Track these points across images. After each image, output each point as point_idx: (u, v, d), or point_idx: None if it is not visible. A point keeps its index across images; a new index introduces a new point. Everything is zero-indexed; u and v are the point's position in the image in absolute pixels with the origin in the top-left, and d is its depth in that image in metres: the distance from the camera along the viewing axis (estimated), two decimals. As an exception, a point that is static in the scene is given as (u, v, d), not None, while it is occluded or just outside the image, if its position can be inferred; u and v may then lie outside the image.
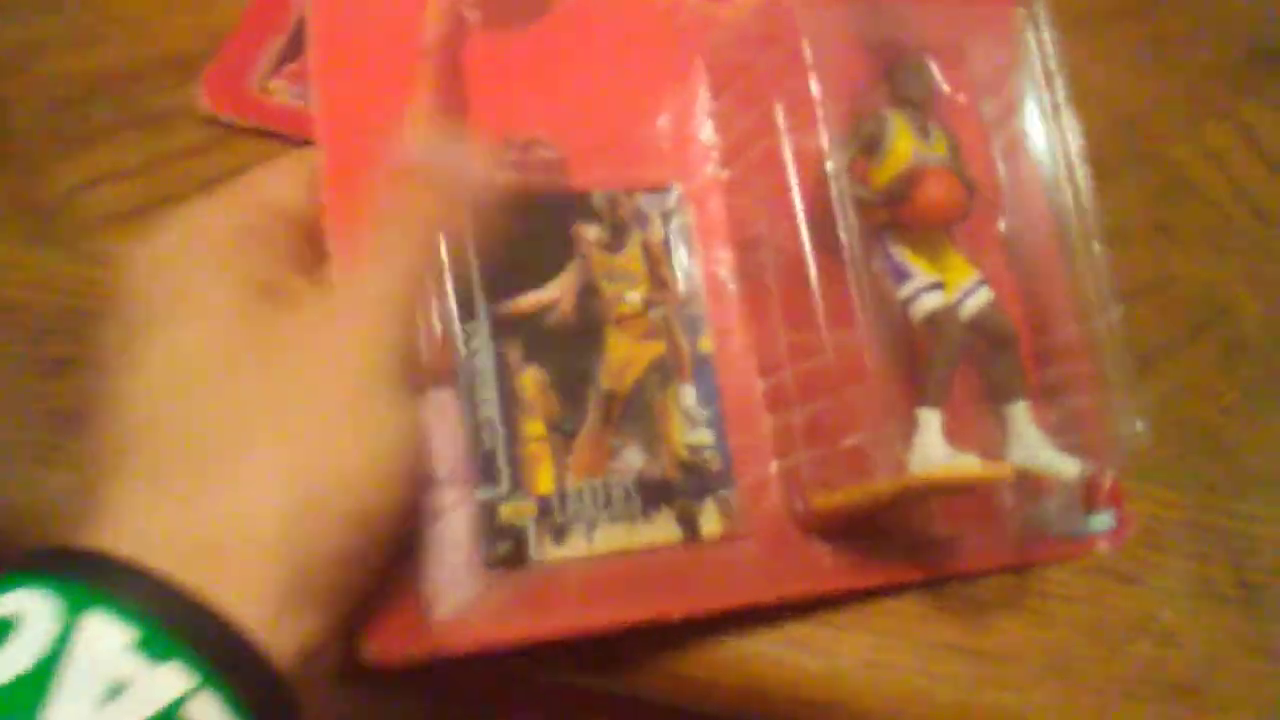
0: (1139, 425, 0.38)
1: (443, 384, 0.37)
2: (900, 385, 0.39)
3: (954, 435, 0.38)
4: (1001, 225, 0.42)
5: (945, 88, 0.42)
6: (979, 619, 0.42)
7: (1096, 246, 0.39)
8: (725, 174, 0.42)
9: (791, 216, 0.40)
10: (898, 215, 0.39)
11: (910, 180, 0.39)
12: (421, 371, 0.36)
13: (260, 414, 0.30)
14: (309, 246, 0.35)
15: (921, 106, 0.40)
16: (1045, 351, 0.42)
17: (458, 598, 0.35)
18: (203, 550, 0.28)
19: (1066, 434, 0.40)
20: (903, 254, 0.40)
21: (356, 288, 0.34)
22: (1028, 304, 0.43)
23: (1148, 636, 0.43)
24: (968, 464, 0.37)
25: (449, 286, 0.38)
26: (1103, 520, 0.43)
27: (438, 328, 0.37)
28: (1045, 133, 0.40)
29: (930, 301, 0.39)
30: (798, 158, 0.39)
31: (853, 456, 0.39)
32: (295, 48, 0.45)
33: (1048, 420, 0.41)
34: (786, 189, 0.40)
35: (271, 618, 0.28)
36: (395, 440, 0.32)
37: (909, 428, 0.38)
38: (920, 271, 0.39)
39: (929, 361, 0.39)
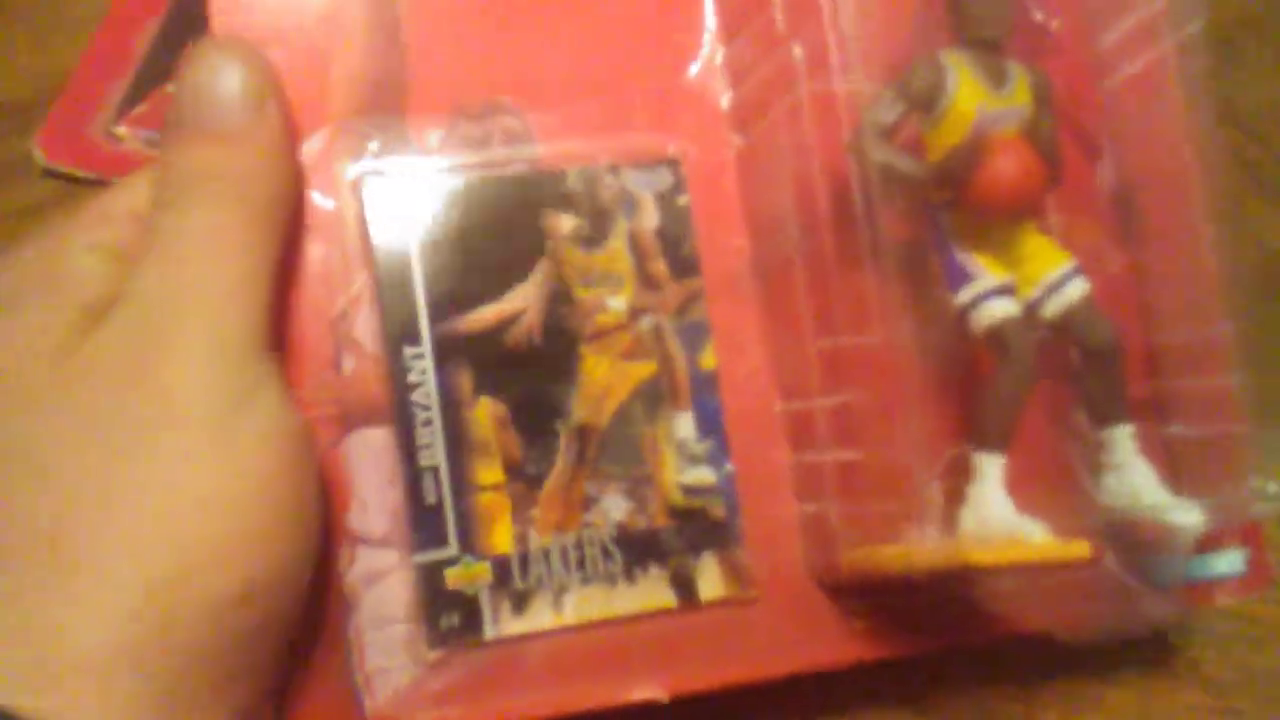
0: (1273, 487, 0.28)
1: (375, 422, 0.31)
2: (952, 420, 0.30)
3: (1026, 480, 0.30)
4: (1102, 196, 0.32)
5: (1038, 15, 0.32)
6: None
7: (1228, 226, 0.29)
8: (739, 141, 0.33)
9: (820, 194, 0.31)
10: (958, 200, 0.30)
11: (970, 155, 0.29)
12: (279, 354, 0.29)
13: (81, 482, 0.24)
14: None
15: (997, 45, 0.30)
16: (1160, 357, 0.33)
17: (396, 683, 0.30)
18: (35, 671, 0.23)
19: (1184, 469, 0.31)
20: (963, 247, 0.30)
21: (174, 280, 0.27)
22: (1142, 294, 0.33)
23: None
24: (1032, 538, 0.28)
25: (382, 300, 0.31)
26: (1229, 561, 0.34)
27: (368, 351, 0.31)
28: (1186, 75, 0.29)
29: (996, 310, 0.30)
30: (821, 117, 0.30)
31: (893, 512, 0.31)
32: (140, 89, 0.39)
33: (1157, 449, 0.32)
34: (813, 158, 0.31)
35: None
36: (266, 475, 0.26)
37: (963, 475, 0.30)
38: (984, 270, 0.30)
39: (990, 391, 0.30)
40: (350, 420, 0.31)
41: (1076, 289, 0.31)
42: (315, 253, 0.31)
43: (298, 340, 0.30)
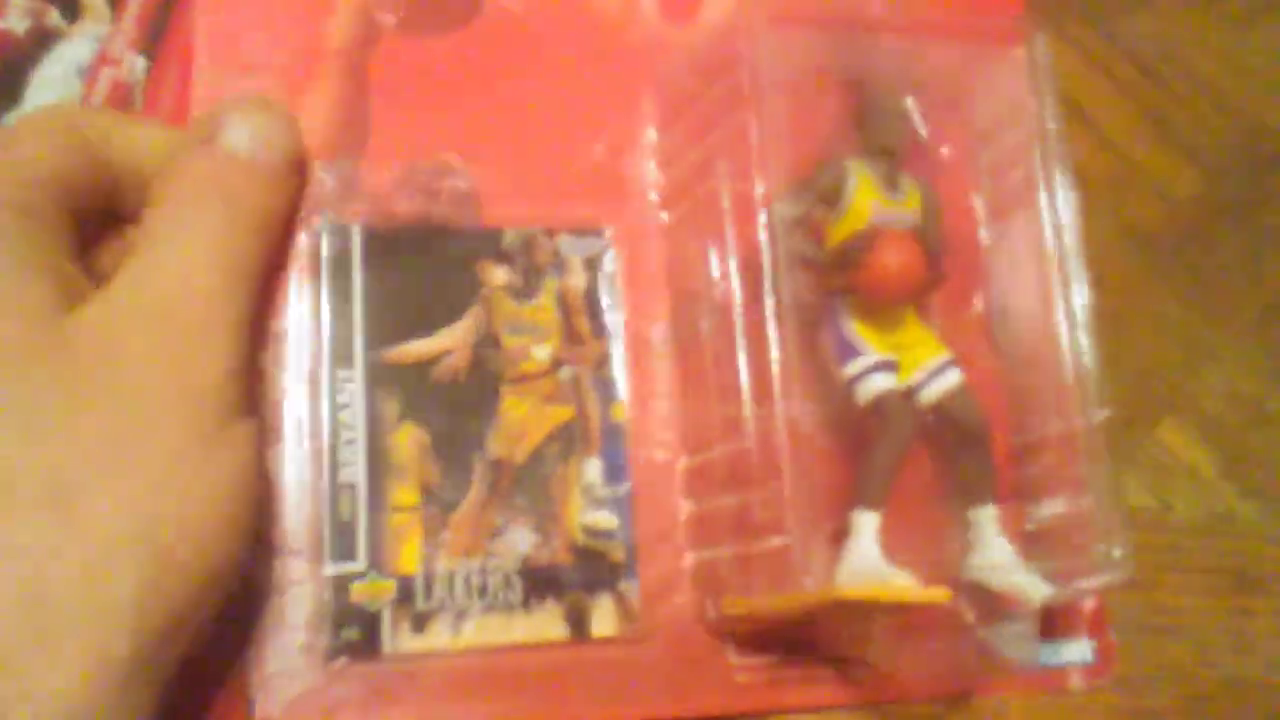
0: (1117, 551, 0.32)
1: (302, 438, 0.32)
2: (837, 481, 0.33)
3: (901, 541, 0.33)
4: (978, 303, 0.37)
5: (924, 134, 0.37)
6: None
7: (1083, 340, 0.34)
8: (666, 217, 0.37)
9: (729, 273, 0.34)
10: (850, 283, 0.33)
11: (864, 244, 0.33)
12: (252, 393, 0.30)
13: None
14: (77, 227, 0.28)
15: (895, 156, 0.35)
16: (1023, 450, 0.36)
17: (290, 691, 0.31)
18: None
19: (1040, 547, 0.35)
20: (853, 326, 0.34)
21: (161, 281, 0.27)
22: (1008, 394, 0.37)
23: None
24: (899, 583, 0.31)
25: (325, 323, 0.33)
26: (1078, 650, 0.37)
27: (304, 370, 0.33)
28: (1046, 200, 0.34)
29: (878, 383, 0.33)
30: (737, 205, 0.34)
31: (776, 559, 0.33)
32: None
33: (1018, 530, 0.35)
34: (725, 240, 0.34)
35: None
36: (235, 473, 0.27)
37: (842, 531, 0.33)
38: (870, 348, 0.34)
39: (869, 455, 0.33)
40: (280, 433, 0.32)
41: (953, 377, 0.34)
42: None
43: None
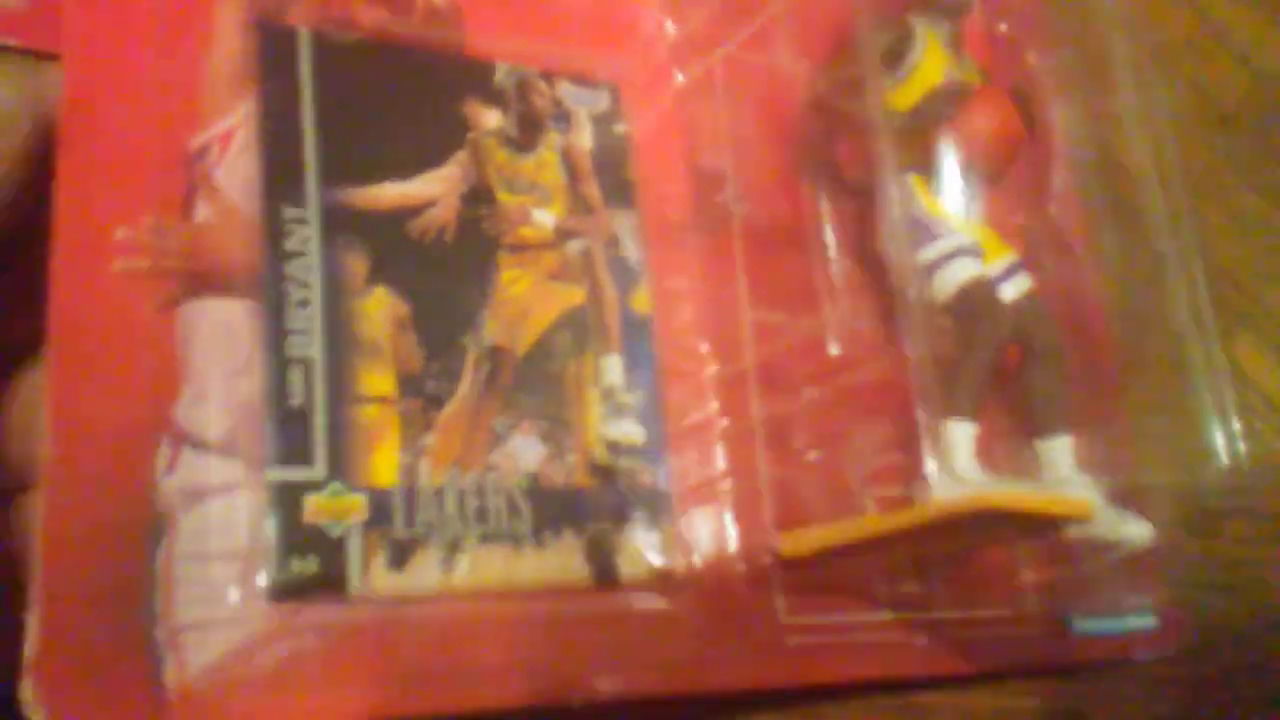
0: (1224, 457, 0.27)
1: (230, 292, 0.23)
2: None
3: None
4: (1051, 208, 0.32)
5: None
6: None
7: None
8: (681, 78, 0.30)
9: (768, 149, 0.28)
10: (929, 148, 0.28)
11: (953, 97, 0.28)
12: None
13: None
14: None
15: (956, 21, 0.30)
16: (1093, 371, 0.31)
17: (215, 646, 0.20)
18: None
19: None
20: (924, 206, 0.28)
21: None
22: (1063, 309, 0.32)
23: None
24: (1028, 491, 0.25)
25: (264, 145, 0.24)
26: (1139, 620, 0.32)
27: (231, 203, 0.23)
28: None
29: (965, 269, 0.28)
30: (773, 69, 0.28)
31: (836, 485, 0.27)
32: None
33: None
34: (757, 112, 0.28)
35: None
36: None
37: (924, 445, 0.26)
38: (951, 229, 0.28)
39: (961, 356, 0.27)
40: (194, 282, 0.22)
41: (1025, 281, 0.29)
42: (175, 65, 0.24)
43: (134, 166, 0.22)
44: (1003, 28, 0.32)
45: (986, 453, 0.27)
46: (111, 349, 0.21)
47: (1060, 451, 0.29)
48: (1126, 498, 0.28)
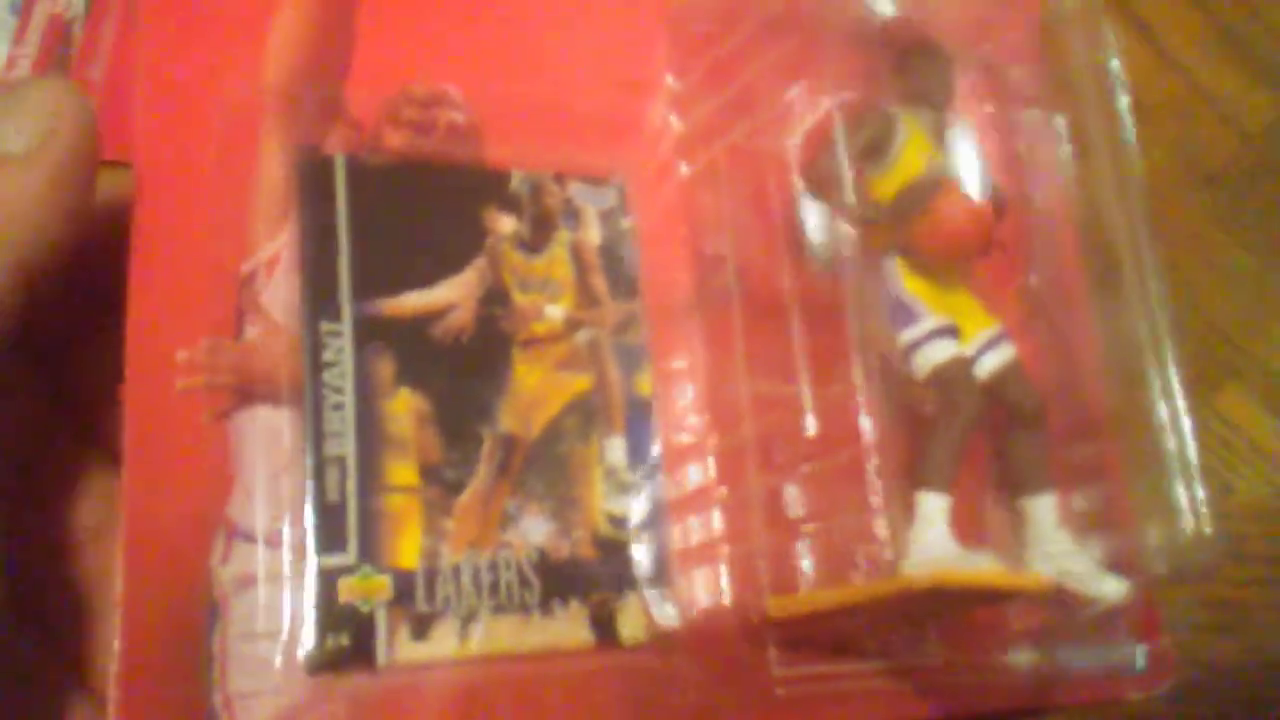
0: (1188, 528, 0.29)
1: (275, 400, 0.26)
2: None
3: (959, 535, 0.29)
4: (1031, 278, 0.34)
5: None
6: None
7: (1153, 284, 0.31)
8: (685, 169, 0.33)
9: (762, 233, 0.31)
10: (907, 237, 0.30)
11: (927, 192, 0.30)
12: None
13: None
14: None
15: (938, 109, 0.32)
16: (1073, 433, 0.33)
17: (265, 712, 0.24)
18: None
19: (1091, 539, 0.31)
20: (906, 287, 0.30)
21: None
22: (1056, 371, 0.34)
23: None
24: (988, 567, 0.27)
25: (303, 269, 0.27)
26: (1128, 656, 0.34)
27: (276, 321, 0.27)
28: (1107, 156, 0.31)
29: (941, 350, 0.30)
30: (772, 159, 0.30)
31: (825, 550, 0.29)
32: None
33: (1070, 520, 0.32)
34: (758, 198, 0.31)
35: None
36: None
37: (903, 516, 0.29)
38: (928, 311, 0.30)
39: (936, 430, 0.29)
40: (244, 394, 0.26)
41: (1006, 351, 0.31)
42: (225, 205, 0.27)
43: (192, 295, 0.26)
44: (986, 107, 0.34)
45: (971, 511, 0.29)
46: (175, 456, 0.25)
47: (1043, 510, 0.31)
48: (1114, 555, 0.30)
